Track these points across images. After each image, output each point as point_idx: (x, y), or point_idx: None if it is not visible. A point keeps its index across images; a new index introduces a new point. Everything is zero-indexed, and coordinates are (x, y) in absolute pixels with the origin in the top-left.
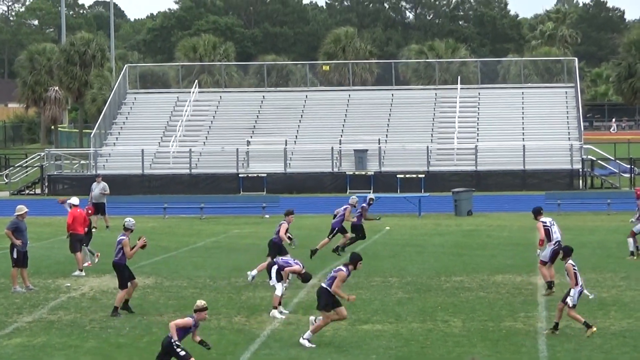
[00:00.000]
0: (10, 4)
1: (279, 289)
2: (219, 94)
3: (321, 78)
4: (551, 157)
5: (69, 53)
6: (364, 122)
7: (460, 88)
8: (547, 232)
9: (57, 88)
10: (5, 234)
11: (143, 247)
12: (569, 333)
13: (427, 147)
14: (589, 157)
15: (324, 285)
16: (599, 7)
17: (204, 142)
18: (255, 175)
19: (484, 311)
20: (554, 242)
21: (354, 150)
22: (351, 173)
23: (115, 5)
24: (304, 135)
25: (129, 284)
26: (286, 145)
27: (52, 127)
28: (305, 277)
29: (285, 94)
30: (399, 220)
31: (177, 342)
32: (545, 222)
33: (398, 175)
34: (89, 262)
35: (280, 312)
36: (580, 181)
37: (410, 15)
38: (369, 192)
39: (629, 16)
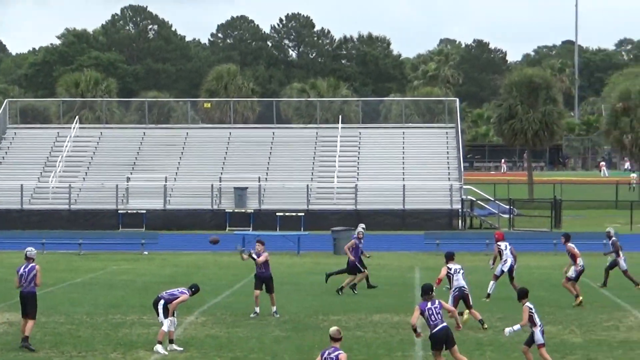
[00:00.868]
0: None
1: (166, 324)
2: (99, 129)
3: (202, 115)
4: (431, 197)
5: None
6: (244, 160)
7: (342, 127)
8: (449, 279)
9: None
10: None
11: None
12: None
13: (307, 185)
14: (469, 197)
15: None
16: (481, 48)
17: (84, 178)
18: (134, 211)
19: (361, 350)
20: (452, 289)
21: (234, 187)
22: (231, 210)
23: None
24: (184, 172)
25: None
26: (166, 181)
27: None
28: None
29: (166, 131)
30: (279, 258)
31: None
32: (450, 269)
33: (278, 213)
34: None
35: (170, 349)
36: (460, 221)
37: (293, 53)
38: (248, 230)
39: (510, 57)
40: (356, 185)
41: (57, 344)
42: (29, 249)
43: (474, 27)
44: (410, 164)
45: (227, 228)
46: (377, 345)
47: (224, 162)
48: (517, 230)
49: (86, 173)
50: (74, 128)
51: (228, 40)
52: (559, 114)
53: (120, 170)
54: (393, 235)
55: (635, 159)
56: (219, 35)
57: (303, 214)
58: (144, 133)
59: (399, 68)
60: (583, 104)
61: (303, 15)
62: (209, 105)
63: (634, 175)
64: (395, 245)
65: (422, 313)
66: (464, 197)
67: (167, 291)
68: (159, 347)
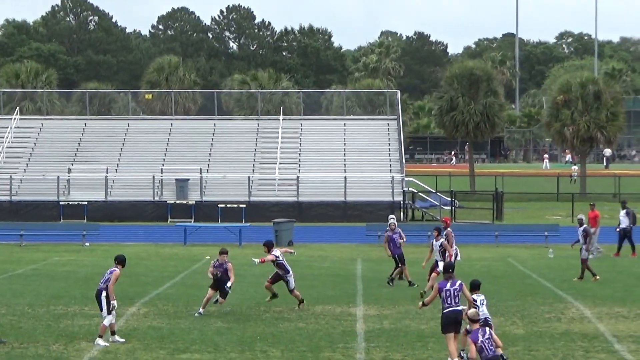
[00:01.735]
0: None
1: (107, 319)
2: (40, 121)
3: (144, 107)
4: (372, 189)
5: None
6: (185, 152)
7: (283, 119)
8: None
9: None
10: None
11: None
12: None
13: (249, 177)
14: (410, 189)
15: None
16: (422, 40)
17: (25, 169)
18: (76, 202)
19: (303, 342)
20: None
21: (176, 179)
22: (172, 202)
23: None
24: (125, 163)
25: None
26: (107, 173)
27: None
28: None
29: (107, 122)
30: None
31: None
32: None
33: (219, 205)
34: None
35: (112, 340)
36: (402, 213)
37: (234, 45)
38: (190, 221)
39: (451, 50)
40: (298, 177)
41: None
42: None
43: (415, 20)
44: (352, 155)
45: (169, 220)
46: (319, 337)
47: (165, 154)
48: (458, 222)
49: (27, 164)
50: (14, 119)
51: (169, 32)
52: (500, 106)
53: (62, 162)
54: (335, 227)
55: (576, 151)
56: (160, 27)
57: (244, 205)
58: (85, 124)
59: (340, 60)
60: (524, 96)
61: (244, 7)
62: (150, 96)
63: (575, 167)
64: (337, 237)
65: (439, 292)
66: (405, 189)
67: (101, 280)
68: (99, 341)
